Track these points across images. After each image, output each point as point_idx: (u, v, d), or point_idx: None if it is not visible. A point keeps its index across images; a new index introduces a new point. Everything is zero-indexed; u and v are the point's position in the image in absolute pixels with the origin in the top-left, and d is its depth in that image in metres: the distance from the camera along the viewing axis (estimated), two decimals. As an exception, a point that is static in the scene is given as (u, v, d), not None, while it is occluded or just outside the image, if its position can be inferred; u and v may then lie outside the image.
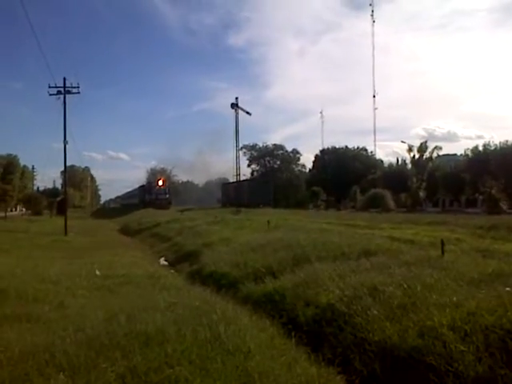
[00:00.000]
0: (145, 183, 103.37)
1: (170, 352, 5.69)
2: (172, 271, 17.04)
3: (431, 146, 66.89)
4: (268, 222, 22.33)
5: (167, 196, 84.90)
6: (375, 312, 7.03)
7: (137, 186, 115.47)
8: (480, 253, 12.12)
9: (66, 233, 35.15)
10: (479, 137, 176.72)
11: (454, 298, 6.89)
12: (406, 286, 8.07)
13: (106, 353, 5.76)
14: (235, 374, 5.27)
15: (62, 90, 35.56)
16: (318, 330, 7.52)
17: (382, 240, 14.55)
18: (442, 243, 11.20)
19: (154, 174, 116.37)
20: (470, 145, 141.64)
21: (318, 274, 10.10)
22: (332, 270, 10.28)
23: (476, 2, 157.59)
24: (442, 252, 10.98)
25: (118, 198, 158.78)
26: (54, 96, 36.10)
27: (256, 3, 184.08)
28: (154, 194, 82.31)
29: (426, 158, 65.23)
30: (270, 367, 5.48)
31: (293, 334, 7.01)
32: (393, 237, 15.97)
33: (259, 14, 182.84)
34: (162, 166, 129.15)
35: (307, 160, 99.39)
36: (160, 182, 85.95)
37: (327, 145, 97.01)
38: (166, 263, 20.03)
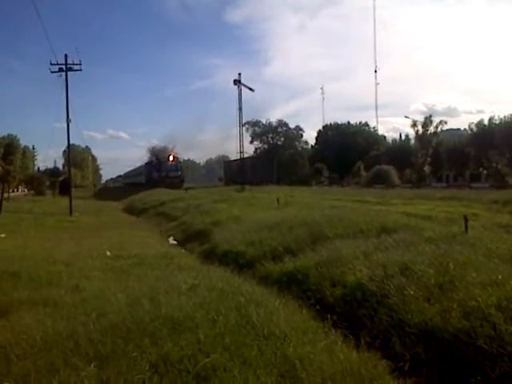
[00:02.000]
0: (151, 159, 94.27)
1: (202, 338, 5.37)
2: (183, 250, 16.74)
3: (434, 121, 66.41)
4: (277, 199, 21.94)
5: (179, 173, 77.03)
6: (411, 292, 6.67)
7: (138, 164, 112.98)
8: (503, 228, 11.82)
9: (70, 213, 34.88)
10: (479, 111, 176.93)
11: (498, 276, 6.53)
12: (437, 263, 7.73)
13: (134, 340, 5.44)
14: (275, 361, 4.95)
15: (63, 67, 35.00)
16: (350, 312, 7.15)
17: (398, 216, 14.21)
18: (466, 219, 10.81)
19: (155, 153, 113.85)
20: (471, 119, 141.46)
21: (341, 252, 9.72)
22: (355, 248, 9.91)
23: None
24: (466, 228, 10.62)
25: (119, 176, 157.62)
26: (56, 74, 35.61)
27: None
28: (163, 172, 74.27)
29: (430, 133, 64.73)
30: (309, 353, 5.15)
31: (328, 317, 6.66)
32: (408, 213, 15.66)
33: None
34: (163, 144, 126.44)
35: (308, 137, 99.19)
36: (171, 158, 77.60)
37: (328, 121, 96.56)
38: (175, 242, 19.71)
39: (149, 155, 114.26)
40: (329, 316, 6.67)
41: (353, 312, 7.12)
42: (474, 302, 5.93)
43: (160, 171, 75.31)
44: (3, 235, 19.71)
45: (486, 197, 21.05)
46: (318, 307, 7.50)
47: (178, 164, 78.87)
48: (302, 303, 7.60)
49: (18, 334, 6.06)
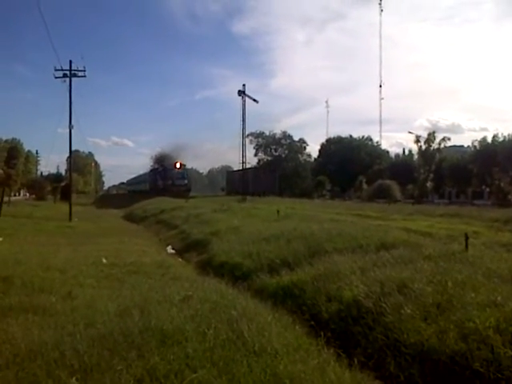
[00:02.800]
0: (157, 166, 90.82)
1: (190, 353, 5.22)
2: (180, 260, 16.60)
3: (438, 137, 66.29)
4: (278, 211, 21.80)
5: (186, 181, 71.88)
6: (408, 311, 6.51)
7: (142, 172, 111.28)
8: (504, 247, 11.67)
9: (70, 219, 34.75)
10: (483, 129, 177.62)
11: (497, 297, 6.37)
12: (436, 282, 7.58)
13: (121, 352, 5.28)
14: (264, 379, 4.78)
15: (67, 73, 35.02)
16: (344, 329, 7.00)
17: (398, 232, 14.06)
18: (466, 237, 10.67)
19: (160, 160, 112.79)
20: (474, 137, 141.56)
21: (339, 266, 9.59)
22: (352, 263, 9.79)
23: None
24: (466, 246, 10.47)
25: (122, 183, 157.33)
26: (60, 80, 35.59)
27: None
28: (169, 179, 69.97)
29: (433, 149, 64.60)
30: (300, 371, 4.99)
31: (322, 334, 6.50)
32: (408, 229, 15.50)
33: (264, 2, 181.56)
34: (166, 152, 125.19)
35: (311, 149, 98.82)
36: (177, 165, 72.43)
37: (331, 134, 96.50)
38: (173, 251, 19.57)
39: (152, 163, 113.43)
40: (322, 333, 6.50)
41: (347, 329, 6.97)
42: (471, 323, 5.79)
43: (166, 179, 71.89)
44: (0, 239, 19.56)
45: (487, 215, 20.92)
46: (312, 323, 7.34)
47: (185, 172, 74.00)
48: (296, 318, 7.44)
49: (2, 341, 5.90)
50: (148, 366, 4.92)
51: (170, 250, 20.09)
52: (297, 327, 6.82)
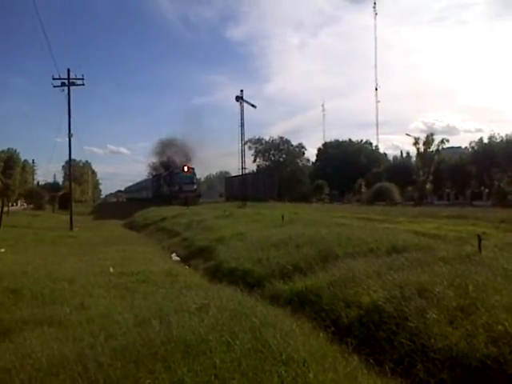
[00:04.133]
0: (158, 172, 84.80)
1: (217, 363, 5.09)
2: (187, 267, 16.47)
3: (436, 139, 66.35)
4: (282, 216, 21.69)
5: (195, 187, 64.85)
6: (433, 315, 6.40)
7: (139, 179, 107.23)
8: (517, 248, 11.58)
9: (71, 228, 34.59)
10: (478, 130, 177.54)
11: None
12: (456, 285, 7.47)
13: (146, 364, 5.16)
14: (296, 389, 4.68)
15: (66, 81, 34.95)
16: (367, 335, 6.87)
17: (407, 235, 13.99)
18: (479, 239, 10.57)
19: (155, 168, 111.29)
20: (470, 138, 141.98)
21: (353, 271, 9.49)
22: (367, 267, 9.68)
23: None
24: (479, 248, 10.37)
25: (119, 191, 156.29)
26: (57, 90, 35.54)
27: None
28: (176, 185, 62.61)
29: (432, 151, 64.63)
30: (332, 380, 4.88)
31: (347, 340, 6.37)
32: (416, 231, 15.41)
33: (258, 7, 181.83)
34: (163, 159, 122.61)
35: (309, 153, 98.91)
36: (185, 168, 64.92)
37: (328, 138, 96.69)
38: (178, 259, 19.46)
39: (149, 170, 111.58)
40: (348, 340, 6.37)
41: (371, 335, 6.84)
42: (500, 326, 5.68)
43: (172, 184, 64.18)
44: (3, 250, 19.42)
45: (492, 215, 20.88)
46: (333, 329, 7.22)
47: (194, 176, 66.44)
48: (316, 325, 7.33)
49: (22, 356, 5.77)
50: (176, 379, 4.81)
51: (174, 257, 19.99)
52: (320, 334, 6.70)
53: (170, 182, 65.57)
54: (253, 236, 17.80)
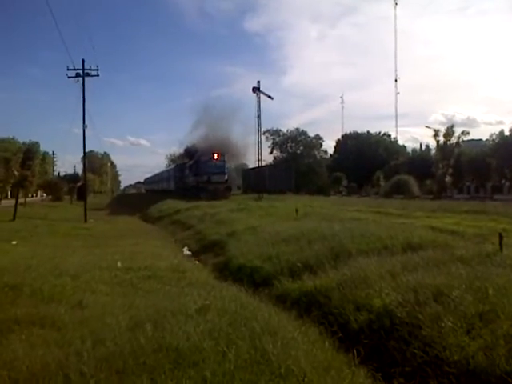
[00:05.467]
0: (182, 161, 76.02)
1: (208, 376, 4.64)
2: (196, 262, 16.09)
3: (456, 131, 65.02)
4: (296, 210, 21.19)
5: (226, 177, 56.19)
6: (448, 323, 5.87)
7: (157, 171, 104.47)
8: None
9: (85, 219, 34.46)
10: (499, 122, 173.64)
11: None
12: (474, 288, 6.92)
13: (131, 376, 4.74)
14: (292, 409, 4.21)
15: (80, 72, 34.76)
16: (377, 343, 6.36)
17: (424, 231, 13.37)
18: (501, 237, 9.96)
19: (173, 160, 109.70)
20: (490, 130, 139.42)
21: (365, 271, 8.97)
22: (380, 267, 9.15)
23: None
24: (500, 246, 9.76)
25: (138, 183, 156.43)
26: (73, 80, 35.30)
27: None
28: (204, 175, 53.47)
29: (452, 144, 63.33)
30: (333, 399, 4.41)
31: (354, 351, 5.86)
32: (433, 227, 14.78)
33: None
34: (181, 151, 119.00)
35: (327, 146, 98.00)
36: (215, 156, 55.43)
37: (346, 130, 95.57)
38: (189, 253, 19.10)
39: (167, 163, 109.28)
40: (355, 351, 5.87)
41: (381, 343, 6.32)
42: (524, 338, 5.14)
43: (199, 174, 55.02)
44: (15, 242, 19.25)
45: (514, 210, 20.10)
46: (340, 335, 6.73)
47: (225, 164, 56.99)
48: (323, 330, 6.83)
49: (3, 363, 5.37)
50: (159, 394, 4.37)
51: (186, 251, 19.64)
52: (326, 342, 6.20)
53: (197, 171, 56.04)
54: (265, 230, 17.33)
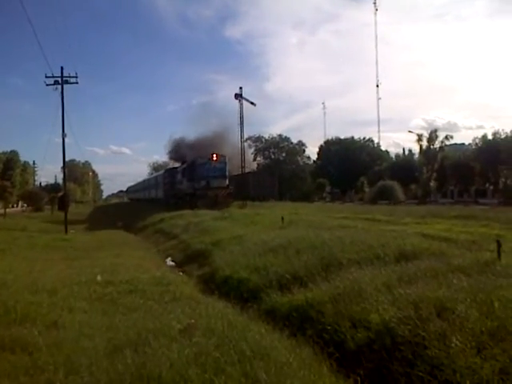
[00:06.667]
0: (170, 165, 70.47)
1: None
2: (181, 274, 15.47)
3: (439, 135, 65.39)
4: (282, 218, 20.70)
5: (226, 182, 47.85)
6: (456, 342, 5.38)
7: (140, 179, 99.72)
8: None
9: (66, 231, 33.61)
10: (479, 126, 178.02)
11: None
12: (479, 301, 6.45)
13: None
14: None
15: (59, 80, 34.02)
16: (378, 365, 5.82)
17: (416, 238, 12.92)
18: (499, 244, 9.52)
19: (156, 169, 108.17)
20: (471, 135, 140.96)
21: (359, 282, 8.48)
22: (374, 278, 8.67)
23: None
24: (499, 254, 9.33)
25: (121, 191, 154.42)
26: (53, 88, 34.56)
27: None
28: (202, 180, 45.55)
29: (435, 148, 63.58)
30: None
31: (356, 373, 5.36)
32: (425, 234, 14.35)
33: (257, 6, 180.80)
34: (164, 159, 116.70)
35: (309, 151, 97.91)
36: (214, 157, 47.30)
37: (328, 136, 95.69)
38: (173, 264, 18.50)
39: (149, 171, 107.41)
40: (356, 373, 5.35)
41: (382, 365, 5.78)
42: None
43: (195, 179, 46.62)
44: (-9, 255, 18.50)
45: (503, 215, 19.78)
46: (337, 355, 6.22)
47: (226, 167, 48.52)
48: (318, 351, 6.30)
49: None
50: None
51: (169, 262, 19.03)
52: (322, 365, 5.67)
53: (192, 175, 47.62)
54: (251, 239, 16.78)
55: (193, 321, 7.01)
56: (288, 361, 5.40)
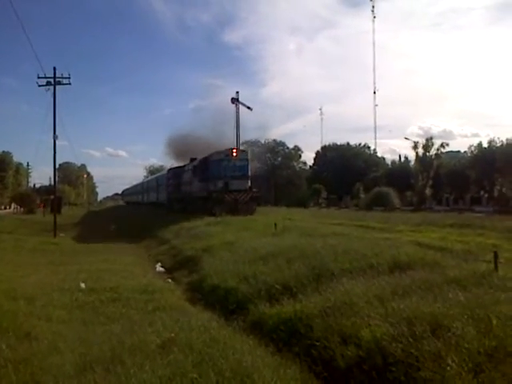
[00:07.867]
0: (173, 165, 61.72)
1: None
2: (169, 280, 15.04)
3: (435, 143, 65.22)
4: (275, 224, 20.28)
5: (249, 183, 37.48)
6: (452, 364, 4.98)
7: (135, 182, 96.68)
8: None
9: (55, 234, 33.06)
10: (475, 135, 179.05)
11: None
12: (476, 318, 6.04)
13: None
14: None
15: (51, 80, 33.56)
16: (369, 387, 5.45)
17: (410, 247, 12.50)
18: (496, 255, 9.13)
19: (152, 172, 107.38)
20: (466, 143, 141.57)
21: (351, 294, 8.07)
22: (366, 290, 8.26)
23: (472, 0, 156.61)
24: (496, 266, 8.94)
25: (116, 195, 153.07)
26: (46, 89, 34.10)
27: (251, 0, 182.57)
28: (219, 180, 36.18)
29: (431, 155, 63.40)
30: None
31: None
32: (420, 243, 13.97)
33: (255, 12, 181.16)
34: (160, 163, 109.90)
35: (306, 157, 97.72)
36: (234, 153, 37.37)
37: (325, 142, 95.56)
38: (162, 269, 18.01)
39: (145, 174, 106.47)
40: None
41: (374, 387, 5.40)
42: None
43: (210, 179, 37.38)
44: (-26, 259, 18.02)
45: (499, 224, 19.43)
46: (325, 374, 5.82)
47: (248, 164, 38.36)
48: (305, 369, 5.89)
49: None
50: None
51: (159, 267, 18.54)
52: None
53: (206, 175, 38.11)
54: (242, 246, 16.34)
55: (172, 335, 6.59)
56: (271, 383, 4.99)
